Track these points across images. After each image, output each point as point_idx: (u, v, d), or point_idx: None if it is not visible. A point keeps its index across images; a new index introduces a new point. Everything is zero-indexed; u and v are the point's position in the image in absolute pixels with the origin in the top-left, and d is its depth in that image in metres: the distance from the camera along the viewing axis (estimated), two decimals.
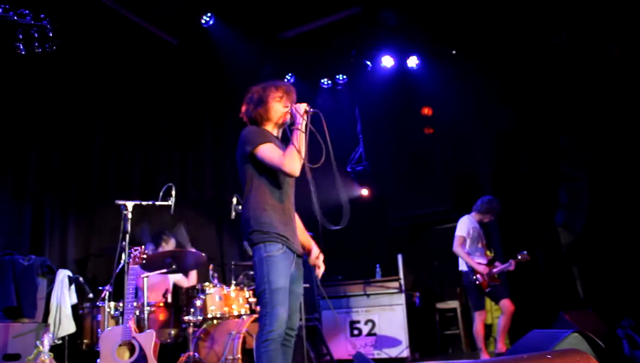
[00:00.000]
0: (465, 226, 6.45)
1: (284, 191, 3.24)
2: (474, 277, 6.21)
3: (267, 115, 3.34)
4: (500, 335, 6.16)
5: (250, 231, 3.12)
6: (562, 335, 3.64)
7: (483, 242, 6.49)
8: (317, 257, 3.43)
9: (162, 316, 5.15)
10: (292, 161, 3.08)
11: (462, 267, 6.39)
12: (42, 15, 1.88)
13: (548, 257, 7.19)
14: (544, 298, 7.14)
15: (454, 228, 6.55)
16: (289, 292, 3.12)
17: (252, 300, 5.44)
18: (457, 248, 6.35)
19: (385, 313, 7.25)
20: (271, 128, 3.37)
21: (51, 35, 1.92)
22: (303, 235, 3.45)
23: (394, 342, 7.10)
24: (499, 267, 6.36)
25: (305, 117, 3.22)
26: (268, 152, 3.14)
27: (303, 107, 3.26)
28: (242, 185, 3.31)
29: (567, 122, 7.14)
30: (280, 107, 3.35)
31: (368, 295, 7.41)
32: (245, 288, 5.44)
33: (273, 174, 3.20)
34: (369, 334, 7.26)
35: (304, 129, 3.18)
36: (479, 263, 6.26)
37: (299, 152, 3.10)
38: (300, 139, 3.15)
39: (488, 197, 6.59)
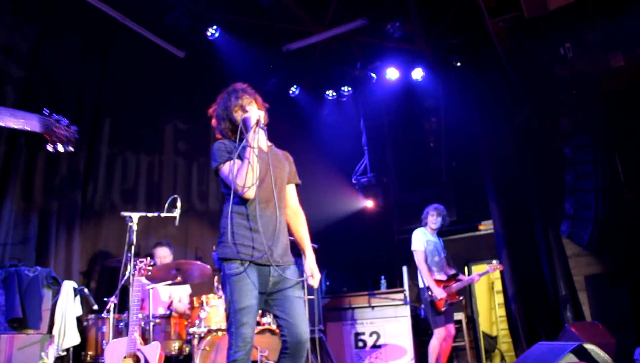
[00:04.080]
0: (418, 240, 6.31)
1: (261, 199, 3.06)
2: (429, 294, 6.07)
3: (233, 128, 3.27)
4: (443, 359, 6.07)
5: (220, 242, 3.06)
6: (567, 347, 3.63)
7: (440, 255, 6.34)
8: (310, 275, 3.24)
9: (167, 328, 5.15)
10: (241, 182, 2.97)
11: (421, 282, 6.24)
12: (73, 127, 2.08)
13: (553, 268, 7.16)
14: (550, 311, 7.10)
15: (459, 240, 6.52)
16: (284, 299, 3.03)
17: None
18: (419, 263, 6.18)
19: (390, 325, 7.23)
20: (244, 136, 3.17)
21: (74, 139, 2.21)
22: (302, 242, 3.32)
23: (399, 354, 7.07)
24: (463, 280, 6.25)
25: (256, 131, 3.07)
26: (225, 172, 3.07)
27: (255, 117, 3.09)
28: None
29: (573, 133, 7.14)
30: (234, 117, 3.27)
31: (373, 307, 7.40)
32: None
33: None
34: (374, 346, 7.23)
35: (254, 145, 3.04)
36: (436, 281, 6.12)
37: (248, 170, 2.97)
38: (251, 157, 3.01)
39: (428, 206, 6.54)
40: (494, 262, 6.31)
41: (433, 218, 6.40)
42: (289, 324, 3.00)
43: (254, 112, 3.14)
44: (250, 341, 2.91)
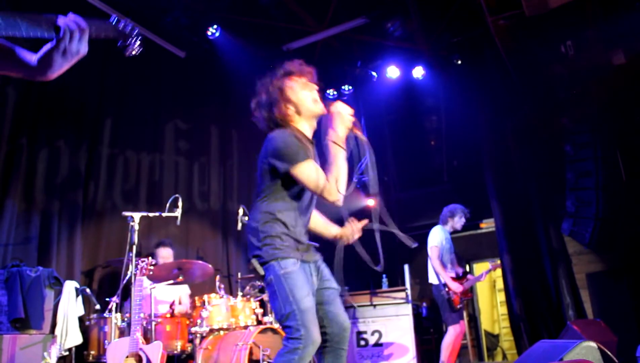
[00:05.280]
0: (437, 237, 6.35)
1: (307, 197, 2.88)
2: (446, 291, 6.11)
3: (294, 112, 2.88)
4: (453, 356, 6.12)
5: (260, 245, 2.75)
6: (570, 345, 3.62)
7: (453, 254, 6.42)
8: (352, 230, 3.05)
9: (168, 327, 5.15)
10: (336, 191, 2.66)
11: (432, 280, 6.29)
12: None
13: (555, 266, 7.15)
14: (552, 309, 7.09)
15: (460, 238, 6.53)
16: (324, 291, 2.84)
17: (259, 311, 5.43)
18: (434, 260, 6.21)
19: (392, 323, 7.22)
20: (302, 125, 2.89)
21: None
22: (324, 227, 3.13)
23: (401, 353, 7.06)
24: (470, 280, 6.33)
25: (345, 124, 2.76)
26: (308, 174, 2.69)
27: (347, 116, 2.76)
28: (258, 186, 2.87)
29: (573, 131, 7.13)
30: (309, 96, 2.88)
31: (374, 306, 7.39)
32: (251, 299, 5.44)
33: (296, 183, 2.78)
34: (376, 345, 7.23)
35: (344, 145, 2.73)
36: (452, 278, 6.18)
37: (338, 175, 2.68)
38: (341, 159, 2.70)
39: (446, 207, 6.56)
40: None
41: (462, 221, 6.49)
42: (331, 313, 2.81)
43: (344, 107, 2.80)
44: (317, 346, 2.61)
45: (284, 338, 2.63)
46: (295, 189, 2.81)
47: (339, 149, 2.72)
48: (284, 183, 2.78)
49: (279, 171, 2.73)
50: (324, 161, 2.77)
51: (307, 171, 2.68)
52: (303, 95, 2.88)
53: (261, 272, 2.74)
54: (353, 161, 2.80)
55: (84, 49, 1.81)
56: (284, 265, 2.68)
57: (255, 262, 2.74)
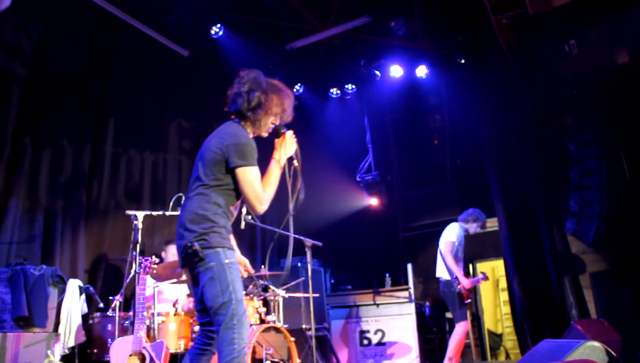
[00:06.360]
0: (455, 232, 6.36)
1: (237, 205, 3.08)
2: (458, 287, 6.12)
3: (259, 124, 3.12)
4: (458, 354, 6.14)
5: (207, 232, 2.87)
6: (573, 345, 3.62)
7: (463, 253, 6.45)
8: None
9: (172, 326, 5.15)
10: (266, 204, 2.95)
11: (442, 274, 6.29)
12: None
13: (558, 265, 7.14)
14: (555, 308, 7.08)
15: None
16: None
17: (262, 309, 5.44)
18: (447, 254, 6.20)
19: (395, 322, 7.23)
20: (249, 131, 3.13)
21: None
22: None
23: (404, 352, 7.07)
24: (471, 280, 6.34)
25: (290, 152, 3.11)
26: (253, 178, 2.93)
27: (294, 145, 3.13)
28: (205, 174, 3.01)
29: (577, 130, 7.12)
30: (271, 122, 3.14)
31: (378, 305, 7.40)
32: (254, 298, 5.45)
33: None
34: (379, 344, 7.24)
35: (282, 165, 3.07)
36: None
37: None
38: (276, 176, 3.03)
39: (473, 209, 6.55)
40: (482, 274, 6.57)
41: (478, 230, 6.55)
42: None
43: (293, 138, 3.16)
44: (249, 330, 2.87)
45: (218, 331, 2.79)
46: (237, 191, 3.00)
47: (278, 168, 3.05)
48: (232, 180, 2.96)
49: (229, 165, 2.93)
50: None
51: (253, 175, 2.93)
52: (270, 119, 3.12)
53: (201, 255, 2.85)
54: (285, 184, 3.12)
55: None
56: (229, 255, 2.90)
57: (198, 246, 2.84)
